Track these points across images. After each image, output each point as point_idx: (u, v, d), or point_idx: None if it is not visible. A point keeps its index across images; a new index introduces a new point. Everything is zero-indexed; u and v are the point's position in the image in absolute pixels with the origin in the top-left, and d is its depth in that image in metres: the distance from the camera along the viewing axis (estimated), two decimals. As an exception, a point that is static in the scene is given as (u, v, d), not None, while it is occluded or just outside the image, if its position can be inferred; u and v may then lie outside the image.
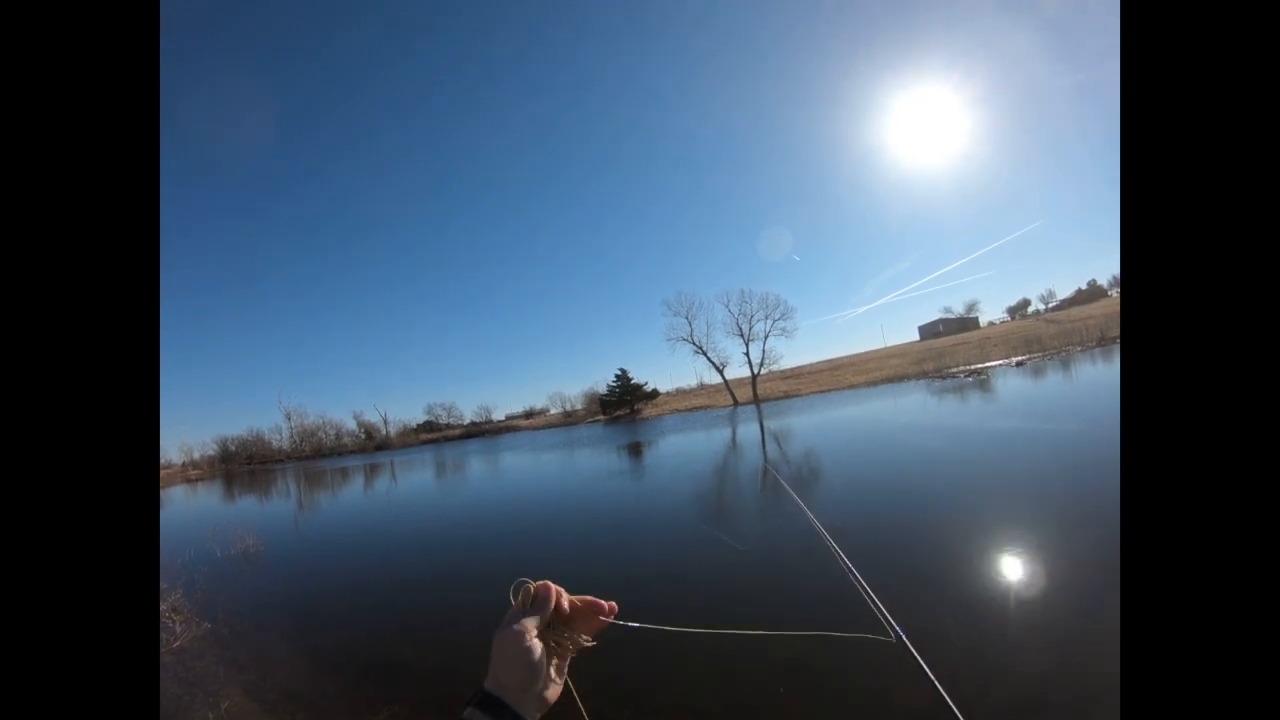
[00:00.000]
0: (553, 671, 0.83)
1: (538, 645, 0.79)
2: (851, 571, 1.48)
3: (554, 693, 0.82)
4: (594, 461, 24.34)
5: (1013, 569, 5.82)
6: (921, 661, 1.16)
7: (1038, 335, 54.46)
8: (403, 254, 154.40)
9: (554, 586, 0.85)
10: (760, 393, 56.18)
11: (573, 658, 0.87)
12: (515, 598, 0.84)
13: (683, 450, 23.08)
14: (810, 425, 25.55)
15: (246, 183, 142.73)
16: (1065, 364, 33.88)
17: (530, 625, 0.80)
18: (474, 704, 0.76)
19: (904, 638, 1.24)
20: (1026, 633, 4.60)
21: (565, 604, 0.86)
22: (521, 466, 27.73)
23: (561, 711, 0.86)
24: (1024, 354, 45.72)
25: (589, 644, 0.87)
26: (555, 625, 0.85)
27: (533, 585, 0.85)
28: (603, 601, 0.89)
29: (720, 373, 59.10)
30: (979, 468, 11.13)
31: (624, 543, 9.80)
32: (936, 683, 1.13)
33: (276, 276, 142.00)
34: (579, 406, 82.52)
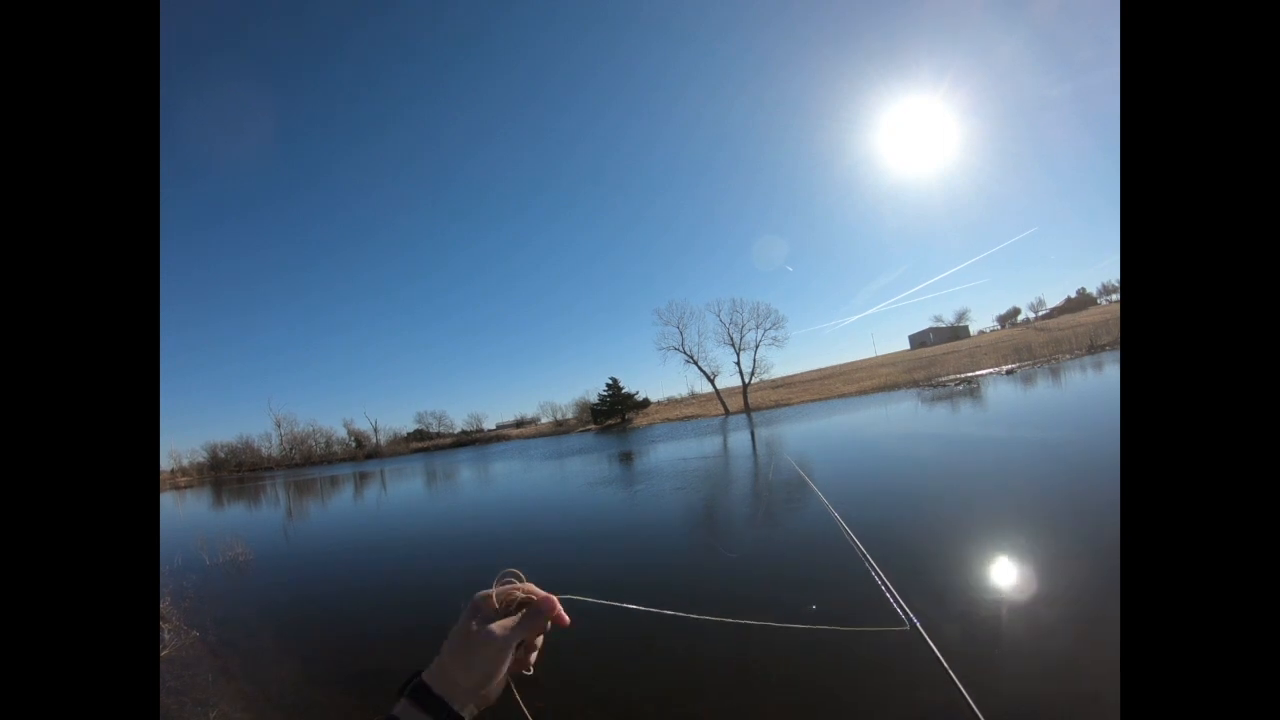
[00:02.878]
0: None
1: (508, 663, 0.72)
2: (867, 559, 1.49)
3: (494, 692, 0.75)
4: (588, 469, 24.28)
5: (1009, 568, 5.85)
6: (935, 649, 1.17)
7: (1028, 343, 54.87)
8: (394, 261, 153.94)
9: (557, 603, 0.77)
10: (751, 402, 56.36)
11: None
12: (496, 584, 0.77)
13: (677, 457, 23.04)
14: (804, 433, 25.61)
15: (235, 188, 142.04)
16: (1055, 372, 34.11)
17: (515, 637, 0.72)
18: (408, 696, 0.69)
19: (919, 626, 1.25)
20: (1026, 628, 4.62)
21: (565, 617, 0.77)
22: (514, 475, 27.64)
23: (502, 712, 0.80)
24: (1014, 362, 46.05)
25: (528, 672, 0.79)
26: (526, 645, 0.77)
27: (522, 589, 0.77)
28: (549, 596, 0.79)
29: (711, 382, 59.26)
30: (973, 474, 11.16)
31: (621, 548, 9.79)
32: (949, 670, 1.13)
33: (268, 282, 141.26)
34: (570, 415, 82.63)
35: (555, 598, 0.77)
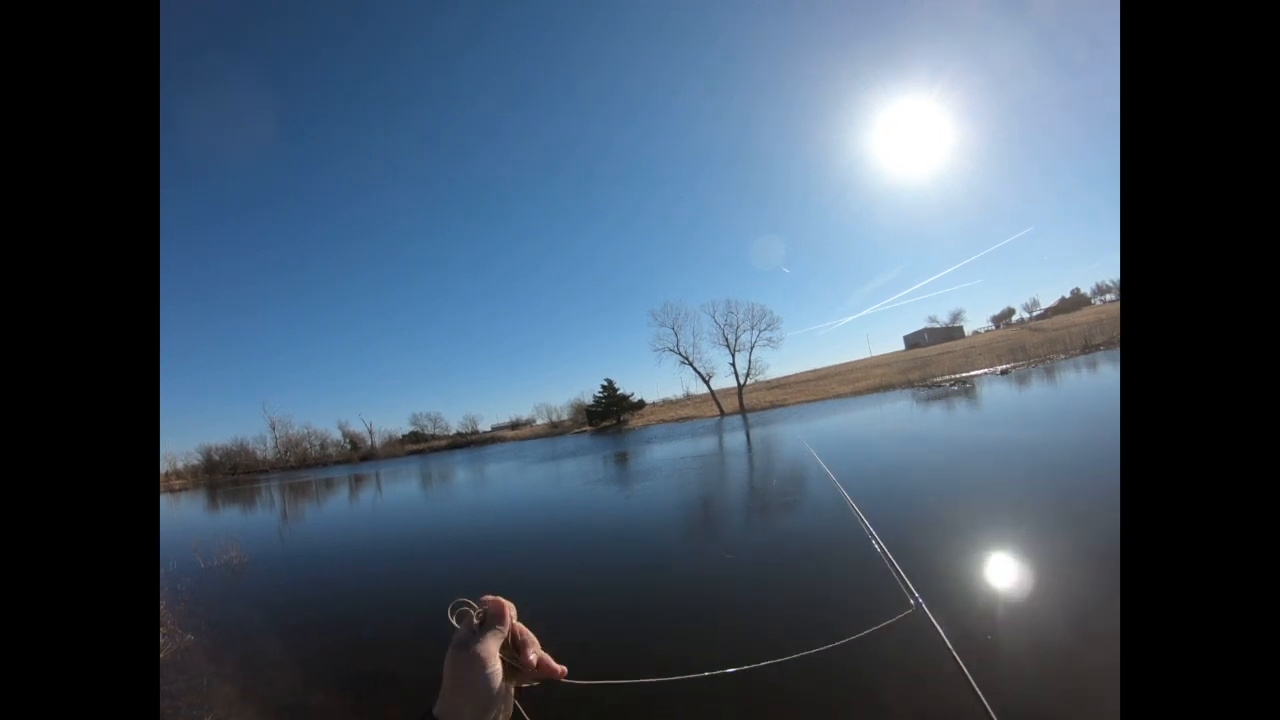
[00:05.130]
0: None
1: (500, 669, 0.74)
2: (875, 540, 1.50)
3: (505, 715, 0.76)
4: (584, 470, 24.26)
5: (1008, 560, 5.88)
6: (938, 627, 1.18)
7: (1022, 343, 55.10)
8: (388, 263, 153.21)
9: (505, 602, 0.79)
10: (747, 403, 56.47)
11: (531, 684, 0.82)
12: (458, 622, 0.78)
13: (674, 457, 23.04)
14: (801, 435, 25.63)
15: (231, 189, 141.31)
16: (1050, 371, 34.25)
17: (493, 646, 0.74)
18: None
19: (924, 606, 1.26)
20: (1026, 615, 4.64)
21: (515, 621, 0.80)
22: (509, 476, 27.59)
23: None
24: (1009, 362, 46.23)
25: (558, 671, 0.82)
26: (509, 646, 0.79)
27: (477, 606, 0.78)
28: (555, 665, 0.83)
29: (707, 383, 59.38)
30: (969, 472, 11.20)
31: (620, 548, 9.79)
32: (951, 647, 1.14)
33: (262, 283, 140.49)
34: (565, 417, 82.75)
35: (502, 599, 0.79)
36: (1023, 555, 6.20)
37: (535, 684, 0.83)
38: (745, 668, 1.06)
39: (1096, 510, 7.02)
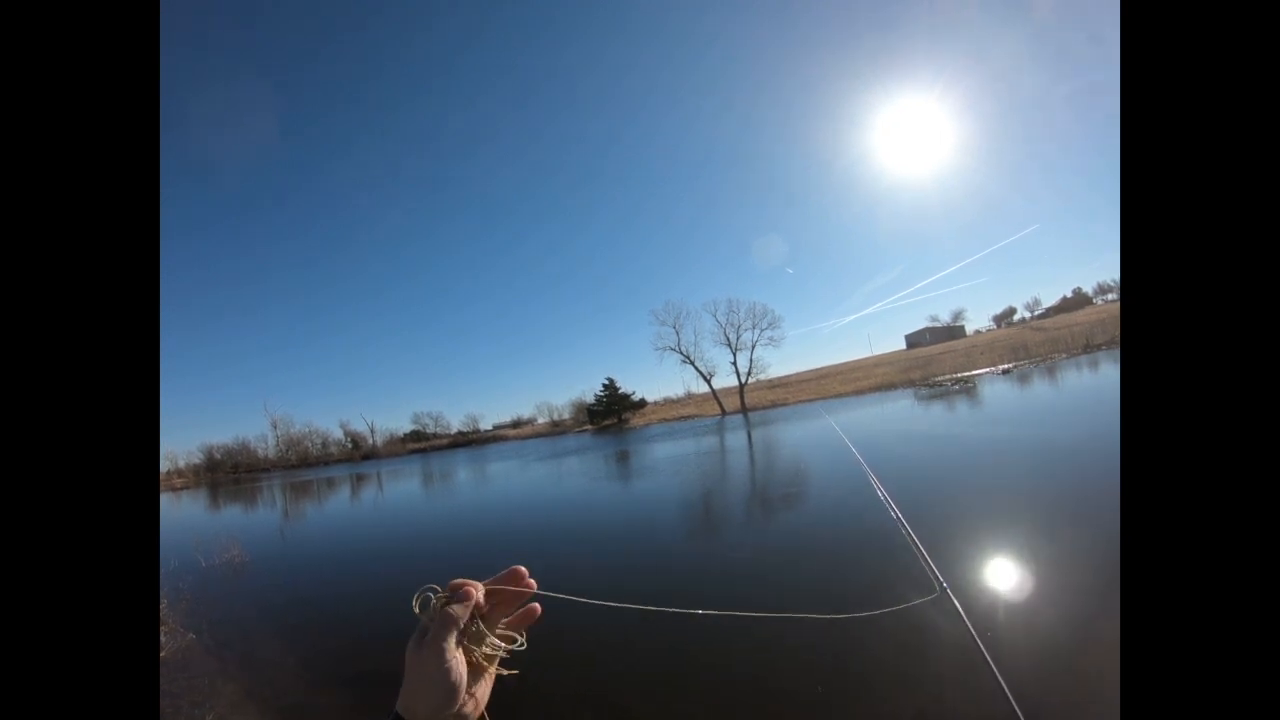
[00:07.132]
0: (475, 686, 0.73)
1: (458, 664, 0.70)
2: (903, 525, 1.52)
3: (474, 708, 0.72)
4: (586, 468, 24.25)
5: (1014, 553, 5.88)
6: (961, 611, 1.20)
7: (1024, 343, 55.05)
8: (389, 263, 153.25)
9: (471, 584, 0.75)
10: (748, 402, 56.46)
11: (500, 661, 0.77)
12: (422, 611, 0.74)
13: (676, 455, 23.03)
14: (800, 434, 25.64)
15: (229, 189, 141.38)
16: (1051, 370, 34.22)
17: (449, 640, 0.70)
18: None
19: (948, 590, 1.28)
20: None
21: (483, 598, 0.75)
22: (511, 475, 27.59)
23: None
24: (1010, 361, 46.19)
25: (517, 646, 0.77)
26: (475, 629, 0.74)
27: (439, 594, 0.74)
28: (520, 567, 0.79)
29: (708, 382, 59.33)
30: (971, 468, 11.19)
31: (623, 548, 9.79)
32: (972, 629, 1.15)
33: (263, 283, 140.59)
34: (566, 416, 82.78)
35: (468, 582, 0.75)
36: (1029, 548, 6.22)
37: (513, 672, 0.79)
38: (769, 614, 1.07)
39: (1093, 509, 7.03)
